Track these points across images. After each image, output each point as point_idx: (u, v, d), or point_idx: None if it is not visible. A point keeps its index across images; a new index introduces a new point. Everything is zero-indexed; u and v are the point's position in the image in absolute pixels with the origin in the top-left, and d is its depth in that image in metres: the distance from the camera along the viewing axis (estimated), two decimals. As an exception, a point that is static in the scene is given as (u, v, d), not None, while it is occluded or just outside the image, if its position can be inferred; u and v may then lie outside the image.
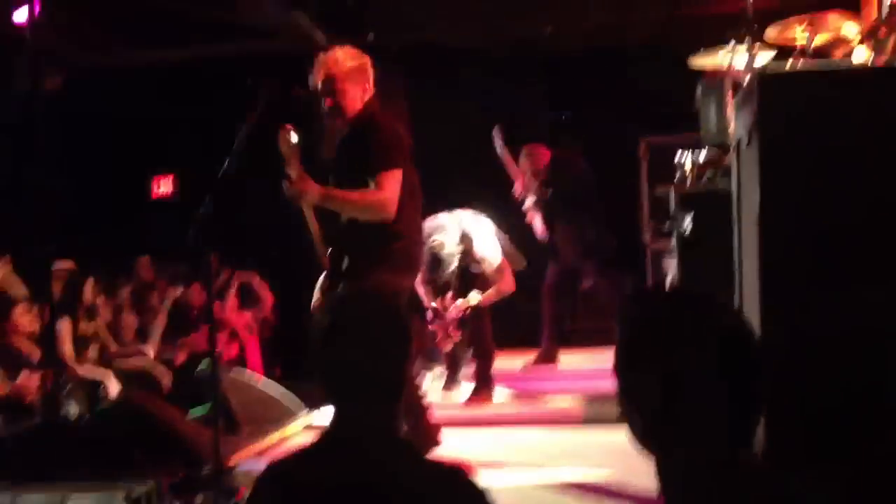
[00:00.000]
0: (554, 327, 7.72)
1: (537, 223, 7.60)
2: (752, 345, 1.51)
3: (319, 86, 4.23)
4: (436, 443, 4.44)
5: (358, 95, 4.23)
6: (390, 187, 4.08)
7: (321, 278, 4.34)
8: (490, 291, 6.53)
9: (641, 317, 1.57)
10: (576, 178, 7.55)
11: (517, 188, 7.64)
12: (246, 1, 7.04)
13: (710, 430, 1.48)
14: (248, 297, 8.53)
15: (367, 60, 4.30)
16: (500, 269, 6.50)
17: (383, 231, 4.12)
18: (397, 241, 4.17)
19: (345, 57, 4.25)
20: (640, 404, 1.52)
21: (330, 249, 4.28)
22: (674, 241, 4.52)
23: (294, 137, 4.08)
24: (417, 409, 4.45)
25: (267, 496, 1.98)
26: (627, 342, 1.55)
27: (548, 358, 7.66)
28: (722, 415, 1.47)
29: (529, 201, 7.60)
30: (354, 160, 4.17)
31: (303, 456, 2.01)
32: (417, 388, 4.59)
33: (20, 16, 6.35)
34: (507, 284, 6.56)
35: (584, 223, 7.44)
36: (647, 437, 1.53)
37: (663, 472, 1.52)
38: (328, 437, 1.99)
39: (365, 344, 1.94)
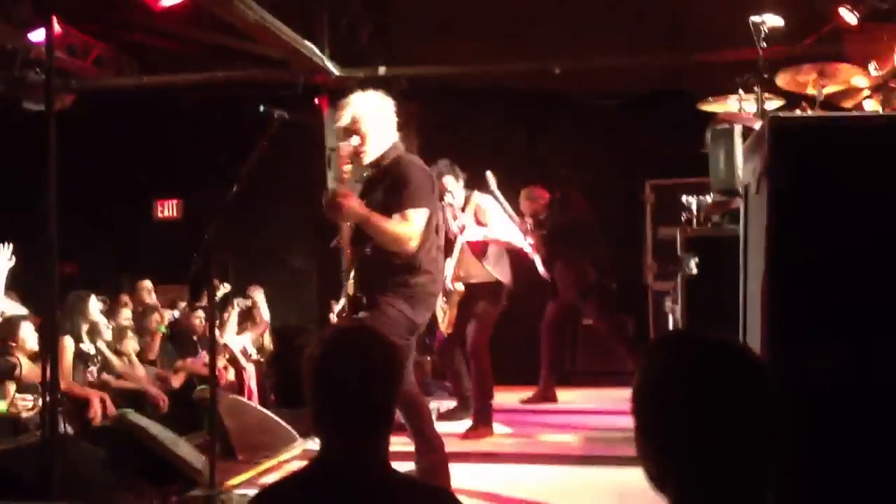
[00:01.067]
0: (552, 366, 7.71)
1: (538, 262, 7.62)
2: (776, 391, 1.53)
3: (344, 127, 4.37)
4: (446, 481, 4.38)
5: (382, 136, 4.38)
6: (417, 224, 4.23)
7: (340, 305, 4.45)
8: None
9: (672, 360, 1.57)
10: (576, 218, 7.59)
11: (522, 224, 7.66)
12: (259, 29, 7.09)
13: (737, 474, 1.49)
14: (248, 322, 8.53)
15: (390, 103, 4.47)
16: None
17: (405, 265, 4.26)
18: (418, 276, 4.29)
19: (369, 99, 4.43)
20: (665, 446, 1.52)
21: (351, 277, 4.40)
22: (678, 283, 4.52)
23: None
24: (434, 443, 4.44)
25: None
26: (656, 384, 1.55)
27: (545, 397, 7.65)
28: (749, 460, 1.48)
29: (530, 241, 7.63)
30: (384, 197, 4.30)
31: (293, 482, 2.07)
32: (430, 422, 4.59)
33: (36, 35, 6.43)
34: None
35: (583, 263, 7.46)
36: (666, 478, 1.53)
37: None
38: (317, 464, 2.03)
39: (355, 374, 1.99)
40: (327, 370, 2.01)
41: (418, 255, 4.27)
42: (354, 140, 4.35)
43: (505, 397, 7.96)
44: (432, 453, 4.38)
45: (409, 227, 4.21)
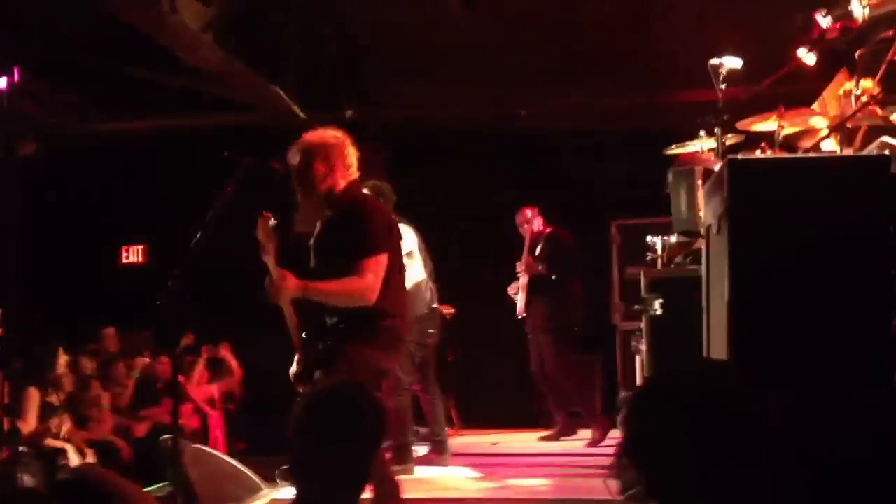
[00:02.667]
0: (560, 402, 7.78)
1: (520, 300, 7.66)
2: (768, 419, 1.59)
3: (295, 167, 4.17)
4: None
5: (332, 175, 4.16)
6: (373, 273, 4.00)
7: (294, 366, 4.19)
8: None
9: (671, 394, 1.60)
10: (566, 259, 7.63)
11: (521, 265, 7.69)
12: (224, 73, 7.10)
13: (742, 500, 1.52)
14: (216, 370, 8.44)
15: (345, 140, 4.24)
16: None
17: (371, 310, 4.02)
18: (384, 321, 4.08)
19: (323, 136, 4.22)
20: (665, 477, 1.54)
21: (304, 335, 4.18)
22: (643, 323, 4.53)
23: (272, 224, 4.04)
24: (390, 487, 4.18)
25: None
26: (653, 418, 1.58)
27: (568, 431, 7.73)
28: (751, 486, 1.52)
29: (523, 280, 7.66)
30: (338, 243, 4.11)
31: None
32: (389, 468, 4.44)
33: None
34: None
35: (559, 303, 7.49)
36: None
37: None
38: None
39: (333, 435, 2.06)
40: (309, 424, 2.10)
41: (380, 301, 4.03)
42: (306, 176, 4.13)
43: (475, 440, 7.93)
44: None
45: (363, 279, 3.98)
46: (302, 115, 7.99)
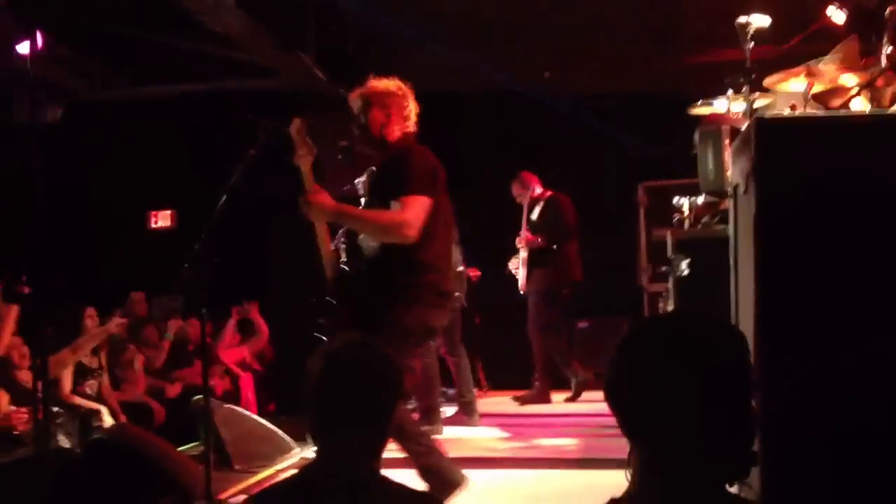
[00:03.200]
0: (545, 367, 7.83)
1: (521, 276, 7.70)
2: (740, 369, 1.56)
3: (355, 114, 4.22)
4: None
5: (391, 125, 4.18)
6: (413, 211, 3.93)
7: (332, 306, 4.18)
8: None
9: (630, 341, 1.63)
10: (565, 225, 7.68)
11: (521, 239, 7.73)
12: (247, 39, 7.09)
13: (689, 454, 1.53)
14: (246, 332, 8.53)
15: (407, 93, 4.27)
16: None
17: (411, 264, 3.97)
18: (427, 275, 4.01)
19: (386, 85, 4.26)
20: (642, 416, 1.57)
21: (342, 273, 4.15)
22: (670, 285, 4.53)
23: (303, 127, 4.05)
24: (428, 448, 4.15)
25: None
26: (617, 366, 1.61)
27: (541, 399, 7.74)
28: (705, 438, 1.52)
29: (523, 254, 7.70)
30: (385, 186, 4.09)
31: (285, 487, 2.19)
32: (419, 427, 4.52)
33: (23, 48, 6.41)
34: None
35: (558, 267, 7.62)
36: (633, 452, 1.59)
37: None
38: (308, 470, 2.14)
39: (353, 390, 2.08)
40: (327, 384, 2.09)
41: (421, 251, 3.96)
42: (363, 125, 4.17)
43: (500, 401, 7.98)
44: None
45: (402, 213, 3.92)
46: (324, 78, 7.96)
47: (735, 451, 1.55)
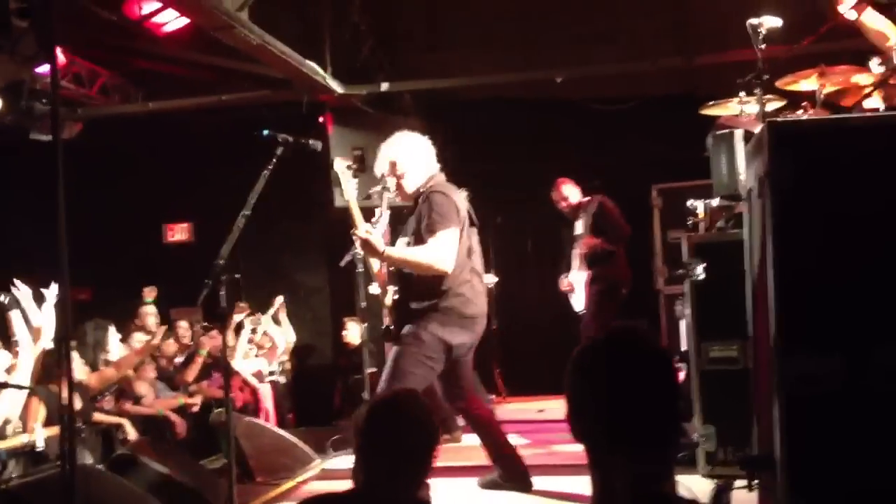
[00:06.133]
0: None
1: (578, 297, 7.45)
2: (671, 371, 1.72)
3: (386, 169, 4.77)
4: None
5: (418, 176, 4.76)
6: (444, 246, 4.50)
7: (385, 322, 4.85)
8: None
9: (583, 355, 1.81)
10: (618, 224, 7.43)
11: (583, 245, 7.43)
12: (261, 51, 7.12)
13: (646, 458, 1.66)
14: (264, 344, 8.57)
15: (424, 142, 4.84)
16: None
17: (434, 289, 4.56)
18: (447, 300, 4.57)
19: (403, 143, 4.81)
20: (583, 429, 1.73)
21: (395, 293, 4.76)
22: (686, 288, 4.52)
23: (345, 165, 5.03)
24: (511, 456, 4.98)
25: None
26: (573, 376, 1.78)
27: None
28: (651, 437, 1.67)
29: (579, 274, 7.46)
30: (418, 226, 4.62)
31: (335, 499, 2.49)
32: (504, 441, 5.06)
33: (43, 67, 6.49)
34: None
35: (615, 268, 7.40)
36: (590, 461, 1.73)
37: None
38: (361, 490, 2.43)
39: (391, 441, 2.40)
40: (370, 437, 2.42)
41: (443, 279, 4.54)
42: (391, 182, 4.74)
43: (519, 408, 7.98)
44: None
45: (435, 251, 4.48)
46: (338, 89, 8.00)
47: (662, 454, 1.70)
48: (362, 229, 4.62)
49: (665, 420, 1.70)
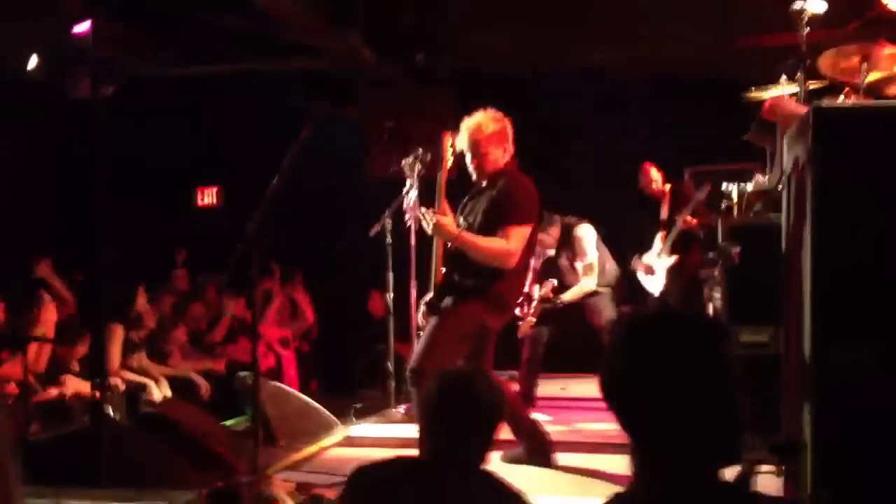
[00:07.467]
0: None
1: (657, 280, 7.30)
2: (730, 359, 1.59)
3: (465, 149, 4.71)
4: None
5: (499, 156, 4.70)
6: (517, 242, 4.54)
7: (428, 295, 4.81)
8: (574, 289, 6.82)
9: (630, 335, 1.64)
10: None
11: (684, 221, 7.13)
12: (296, 18, 7.10)
13: (692, 444, 1.55)
14: (291, 311, 8.61)
15: (506, 122, 4.75)
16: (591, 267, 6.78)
17: (484, 270, 4.56)
18: (498, 284, 4.58)
19: (487, 121, 4.70)
20: (627, 417, 1.60)
21: (443, 270, 4.74)
22: (719, 272, 4.49)
23: (450, 143, 4.82)
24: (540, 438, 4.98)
25: (354, 489, 2.50)
26: (616, 359, 1.62)
27: None
28: (704, 429, 1.55)
29: (655, 258, 7.30)
30: (490, 208, 4.62)
31: (394, 462, 2.57)
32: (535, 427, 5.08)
33: (80, 27, 6.51)
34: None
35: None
36: (635, 451, 1.61)
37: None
38: (425, 458, 2.55)
39: (465, 413, 2.49)
40: (440, 410, 2.51)
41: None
42: (476, 161, 4.69)
43: (544, 385, 7.97)
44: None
45: (509, 244, 4.51)
46: (372, 58, 7.95)
47: (727, 443, 1.58)
48: (439, 202, 4.68)
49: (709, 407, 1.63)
